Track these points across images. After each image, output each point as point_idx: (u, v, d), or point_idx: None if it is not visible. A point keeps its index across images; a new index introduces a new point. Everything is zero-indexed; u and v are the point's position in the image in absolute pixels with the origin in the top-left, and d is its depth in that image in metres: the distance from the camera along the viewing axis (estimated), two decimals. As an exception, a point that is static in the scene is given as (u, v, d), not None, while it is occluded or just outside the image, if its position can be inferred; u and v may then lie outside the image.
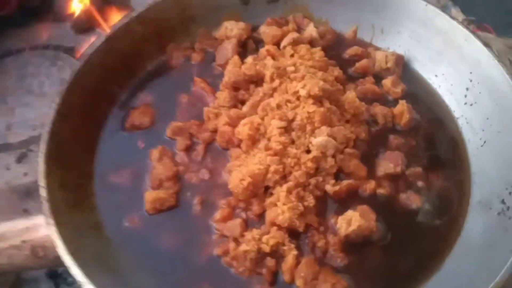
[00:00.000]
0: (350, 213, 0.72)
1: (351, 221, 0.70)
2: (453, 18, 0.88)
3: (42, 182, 0.70)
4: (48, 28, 1.83)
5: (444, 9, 0.90)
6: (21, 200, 1.19)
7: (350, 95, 0.84)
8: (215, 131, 0.84)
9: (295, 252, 0.69)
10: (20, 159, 1.66)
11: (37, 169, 0.71)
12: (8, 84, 1.91)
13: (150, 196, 0.76)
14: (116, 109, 0.89)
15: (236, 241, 0.72)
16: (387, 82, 0.91)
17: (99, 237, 0.74)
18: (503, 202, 0.71)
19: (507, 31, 1.27)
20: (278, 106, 0.81)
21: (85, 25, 1.42)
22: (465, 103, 0.87)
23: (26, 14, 1.57)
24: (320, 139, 0.77)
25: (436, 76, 0.92)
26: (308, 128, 0.79)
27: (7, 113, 1.82)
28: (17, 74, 1.94)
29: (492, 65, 0.82)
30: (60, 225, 0.67)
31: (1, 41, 1.99)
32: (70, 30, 1.52)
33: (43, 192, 0.69)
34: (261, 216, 0.75)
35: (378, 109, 0.86)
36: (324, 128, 0.78)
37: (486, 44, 0.83)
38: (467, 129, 0.85)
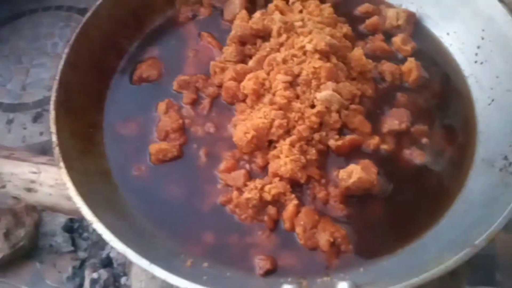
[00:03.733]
0: (351, 166, 0.73)
1: (352, 174, 0.71)
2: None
3: (52, 128, 0.73)
4: (61, -11, 1.83)
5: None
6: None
7: (357, 52, 0.83)
8: (221, 85, 0.85)
9: (295, 201, 0.71)
10: (36, 119, 1.71)
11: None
12: (22, 44, 1.94)
13: (153, 148, 0.78)
14: (125, 61, 0.91)
15: (239, 190, 0.74)
16: (397, 39, 0.90)
17: (107, 183, 0.76)
18: (505, 158, 0.71)
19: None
20: (284, 61, 0.81)
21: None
22: (476, 62, 0.85)
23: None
24: (324, 93, 0.77)
25: (447, 34, 0.91)
26: (314, 83, 0.79)
27: (21, 73, 1.86)
28: (31, 35, 1.96)
29: (506, 22, 0.80)
30: (71, 169, 0.70)
31: (14, 2, 2.00)
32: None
33: (54, 138, 0.72)
34: (264, 168, 0.76)
35: (386, 66, 0.86)
36: (329, 83, 0.78)
37: (501, 0, 0.81)
38: (476, 88, 0.84)
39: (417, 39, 0.91)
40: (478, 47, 0.85)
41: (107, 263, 1.16)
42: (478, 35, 0.85)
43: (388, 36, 0.92)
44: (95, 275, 1.12)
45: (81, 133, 0.79)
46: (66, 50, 0.81)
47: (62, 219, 1.37)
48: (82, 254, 1.31)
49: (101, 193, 0.73)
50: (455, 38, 0.89)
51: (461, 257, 0.58)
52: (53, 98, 0.76)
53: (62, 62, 0.80)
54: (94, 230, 0.64)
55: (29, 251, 1.32)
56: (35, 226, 1.35)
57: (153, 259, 0.61)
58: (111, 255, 1.15)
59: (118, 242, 0.61)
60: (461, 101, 0.84)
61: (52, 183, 1.10)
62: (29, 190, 1.13)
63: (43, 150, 1.32)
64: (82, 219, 1.11)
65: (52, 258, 1.34)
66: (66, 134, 0.75)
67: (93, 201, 0.68)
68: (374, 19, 0.93)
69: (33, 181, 1.12)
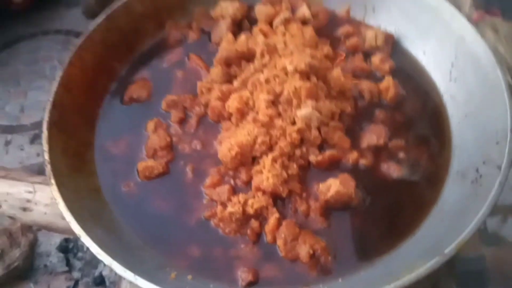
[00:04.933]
0: (330, 180, 0.76)
1: (331, 187, 0.74)
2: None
3: (45, 147, 0.76)
4: (60, 13, 1.90)
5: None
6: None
7: (336, 73, 0.88)
8: (207, 105, 0.89)
9: (277, 215, 0.74)
10: (33, 140, 1.74)
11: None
12: (21, 68, 1.99)
13: (140, 165, 0.82)
14: (116, 83, 0.95)
15: (224, 205, 0.77)
16: (375, 59, 0.95)
17: (97, 199, 0.79)
18: (477, 171, 0.74)
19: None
20: (267, 81, 0.85)
21: (95, 11, 1.47)
22: (450, 79, 0.89)
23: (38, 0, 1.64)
24: (304, 111, 0.81)
25: (424, 53, 0.95)
26: (295, 102, 0.83)
27: (20, 96, 1.91)
28: (30, 58, 2.02)
29: (476, 41, 0.84)
30: (61, 186, 0.73)
31: (14, 26, 2.06)
32: (81, 15, 1.59)
33: (46, 156, 0.75)
34: (248, 183, 0.79)
35: (365, 85, 0.90)
36: (309, 101, 0.82)
37: (470, 21, 0.85)
38: (451, 104, 0.88)
39: (395, 58, 0.95)
40: (452, 65, 0.89)
41: (100, 281, 1.18)
42: (452, 54, 0.89)
43: (367, 56, 0.96)
44: (87, 294, 1.13)
45: (73, 151, 0.83)
46: (60, 73, 0.85)
47: (57, 239, 1.39)
48: (76, 274, 1.32)
49: (91, 209, 0.76)
50: (431, 57, 0.94)
51: (432, 265, 0.60)
52: (46, 119, 0.80)
53: (56, 85, 0.84)
54: (87, 248, 0.66)
55: (24, 272, 1.33)
56: (31, 247, 1.37)
57: (138, 272, 0.63)
58: (104, 273, 1.17)
59: (105, 255, 0.64)
60: (437, 117, 0.88)
61: (47, 202, 1.12)
62: (24, 209, 1.15)
63: (40, 170, 1.34)
64: (77, 238, 1.14)
65: (46, 279, 1.35)
66: (58, 152, 0.78)
67: (83, 217, 0.71)
68: (354, 39, 0.98)
69: (28, 201, 1.14)
